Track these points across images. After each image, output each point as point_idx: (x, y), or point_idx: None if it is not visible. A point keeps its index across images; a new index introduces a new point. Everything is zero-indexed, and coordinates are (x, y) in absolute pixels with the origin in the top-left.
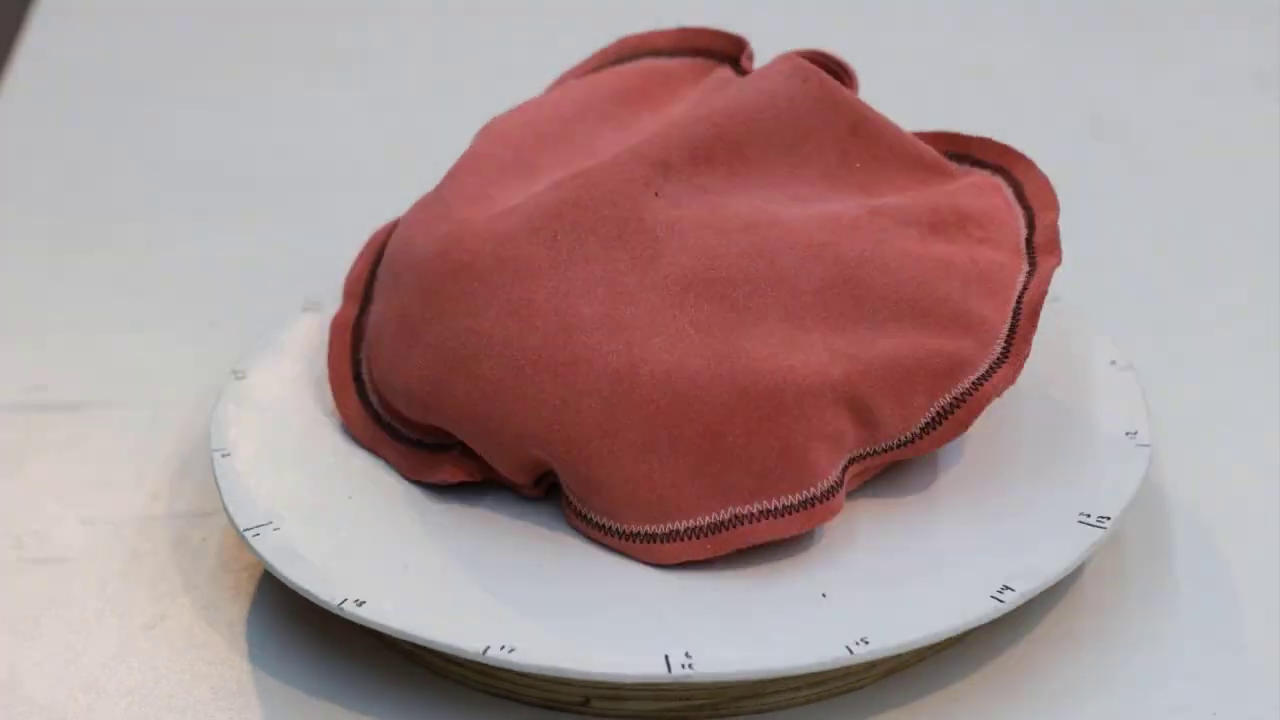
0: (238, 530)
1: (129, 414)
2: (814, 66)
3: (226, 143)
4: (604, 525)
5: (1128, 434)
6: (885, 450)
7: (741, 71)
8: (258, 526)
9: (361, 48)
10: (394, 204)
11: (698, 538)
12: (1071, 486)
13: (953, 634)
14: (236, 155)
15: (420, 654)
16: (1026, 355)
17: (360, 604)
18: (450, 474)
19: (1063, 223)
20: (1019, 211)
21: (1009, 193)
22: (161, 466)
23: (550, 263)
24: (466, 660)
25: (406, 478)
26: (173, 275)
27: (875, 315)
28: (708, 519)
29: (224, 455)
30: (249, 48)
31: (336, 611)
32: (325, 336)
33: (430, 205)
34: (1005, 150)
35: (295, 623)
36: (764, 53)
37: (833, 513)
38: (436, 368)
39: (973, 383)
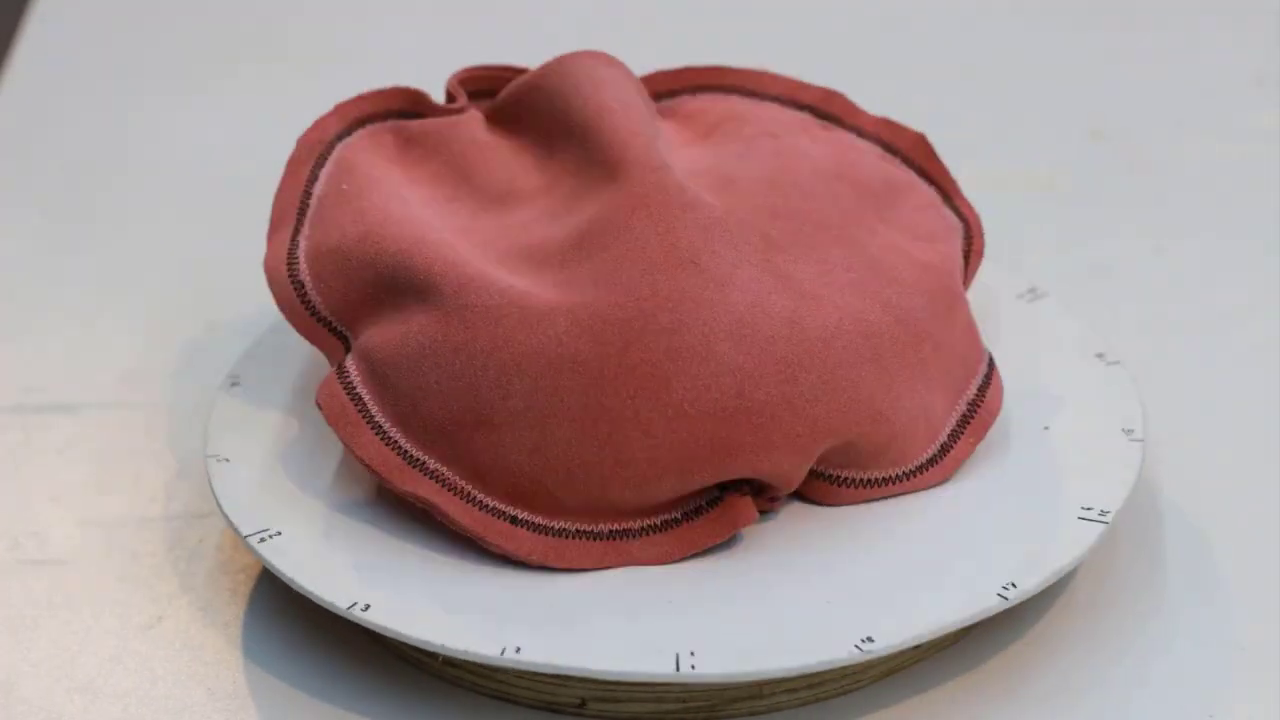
0: (241, 537)
1: (126, 416)
2: (604, 55)
3: (226, 143)
4: (892, 476)
5: (1123, 429)
6: None
7: (428, 115)
8: (261, 532)
9: (362, 48)
10: None
11: (958, 439)
12: (1069, 482)
13: (957, 629)
14: (237, 155)
15: (417, 655)
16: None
17: (367, 609)
18: (747, 516)
19: (1061, 222)
20: (764, 101)
21: (736, 96)
22: (159, 468)
23: (714, 283)
24: (465, 662)
25: (675, 559)
26: (171, 276)
27: (893, 204)
28: (955, 418)
29: (220, 461)
30: (249, 48)
31: (346, 616)
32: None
33: (484, 318)
34: (683, 73)
35: (292, 624)
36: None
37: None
38: (703, 426)
39: (964, 219)
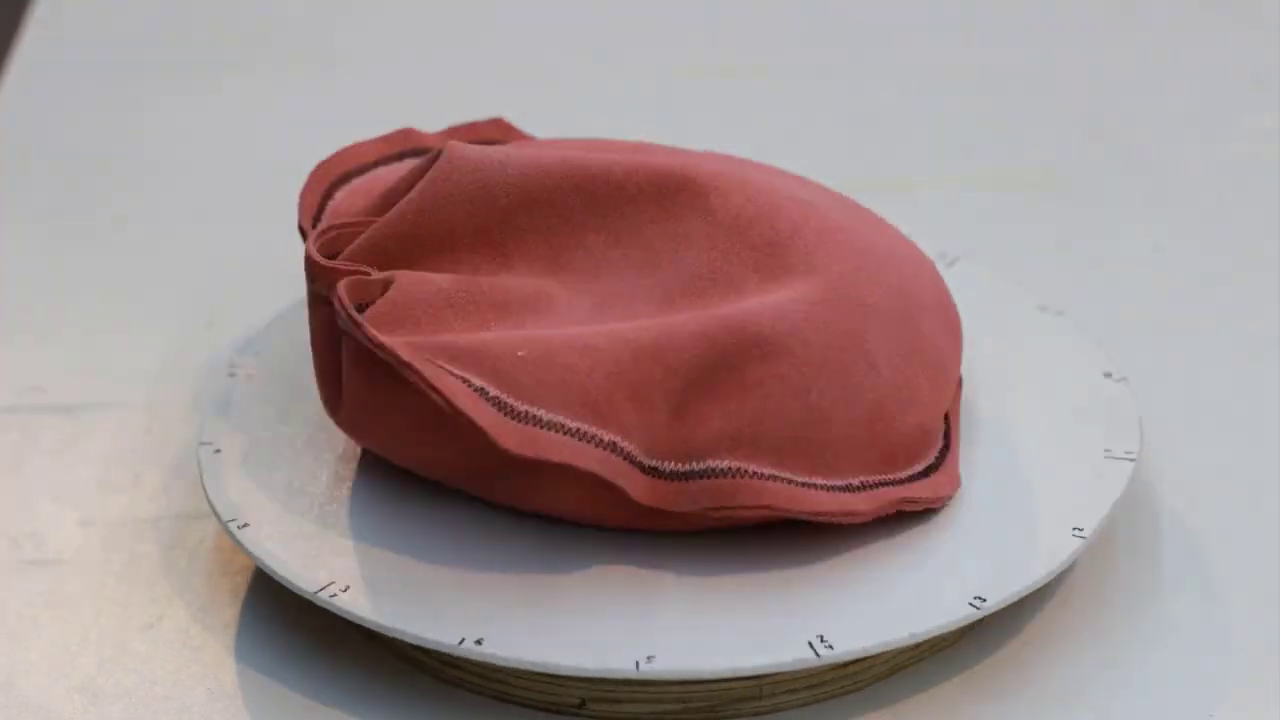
0: (221, 522)
1: (126, 415)
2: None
3: (226, 142)
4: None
5: (1112, 448)
6: None
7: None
8: (241, 519)
9: (362, 48)
10: None
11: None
12: (1052, 497)
13: (921, 640)
14: (236, 155)
15: (417, 655)
16: None
17: (333, 595)
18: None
19: (1060, 222)
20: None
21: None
22: (158, 468)
23: (844, 217)
24: (464, 661)
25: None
26: (171, 276)
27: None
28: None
29: (215, 451)
30: (249, 48)
31: (313, 600)
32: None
33: (804, 341)
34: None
35: (292, 624)
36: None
37: None
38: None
39: None
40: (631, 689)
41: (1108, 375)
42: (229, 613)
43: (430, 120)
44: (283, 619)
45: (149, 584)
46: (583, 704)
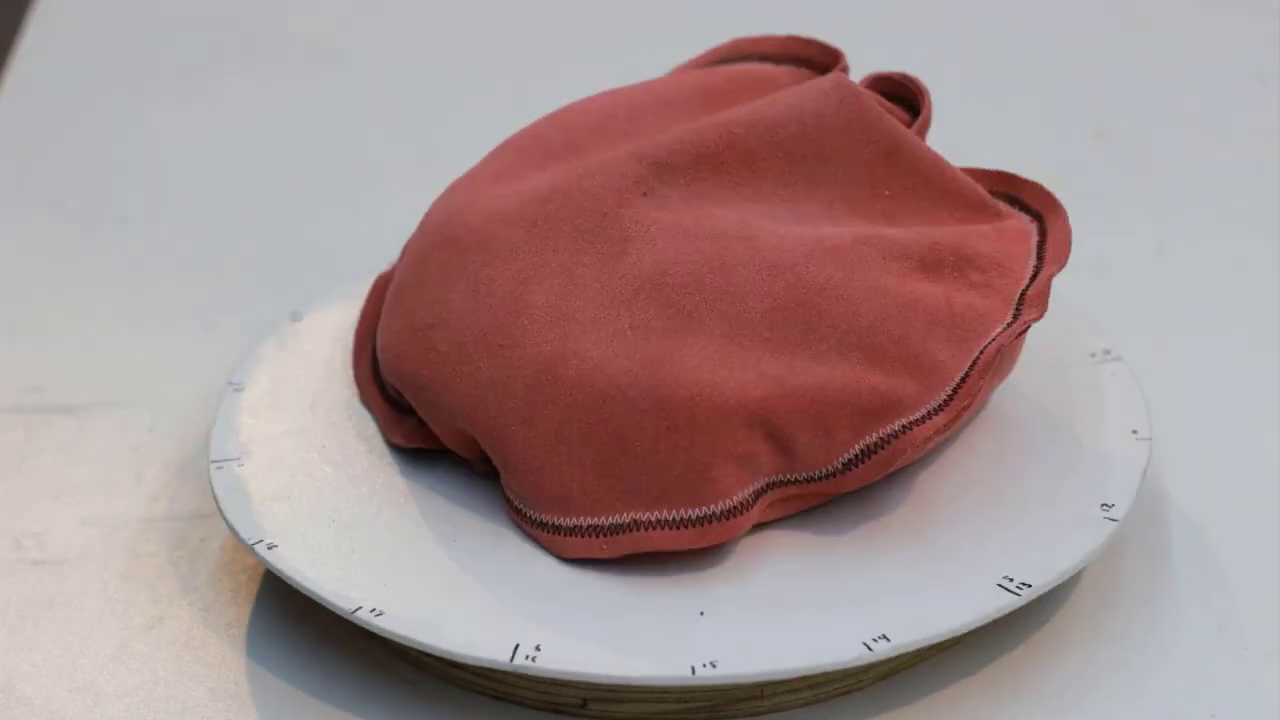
0: (244, 544)
1: (128, 415)
2: (856, 88)
3: (226, 143)
4: (518, 508)
5: (1128, 429)
6: (806, 480)
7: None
8: (264, 539)
9: (362, 48)
10: (394, 204)
11: (596, 536)
12: (1076, 482)
13: (971, 629)
14: (236, 155)
15: (418, 656)
16: (969, 407)
17: (378, 614)
18: (405, 439)
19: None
20: (1032, 263)
21: (1034, 242)
22: (161, 468)
23: (523, 246)
24: (470, 665)
25: (382, 433)
26: (172, 276)
27: (821, 344)
28: (608, 520)
29: (219, 468)
30: (249, 48)
31: (351, 619)
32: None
33: (463, 179)
34: (1050, 198)
35: (294, 625)
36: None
37: (732, 533)
38: (403, 333)
39: (904, 425)
40: (634, 690)
41: (1108, 353)
42: (231, 613)
43: (429, 119)
44: (285, 619)
45: (151, 584)
46: (585, 704)
